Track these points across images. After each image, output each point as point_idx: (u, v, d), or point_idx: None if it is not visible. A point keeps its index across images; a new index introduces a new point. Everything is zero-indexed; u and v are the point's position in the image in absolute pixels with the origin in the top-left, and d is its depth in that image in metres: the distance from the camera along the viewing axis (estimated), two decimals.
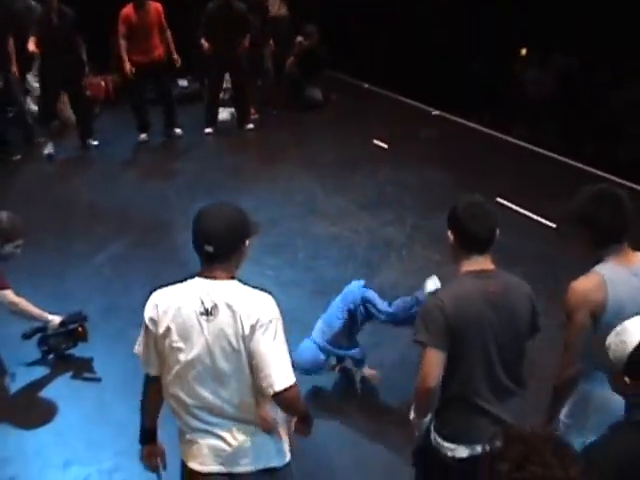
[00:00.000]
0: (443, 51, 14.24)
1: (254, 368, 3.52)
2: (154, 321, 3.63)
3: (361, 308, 6.24)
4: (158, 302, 3.65)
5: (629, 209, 3.91)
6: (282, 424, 3.77)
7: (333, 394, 6.39)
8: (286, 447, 3.80)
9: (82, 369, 6.63)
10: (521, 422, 3.85)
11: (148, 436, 4.02)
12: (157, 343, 3.65)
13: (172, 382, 3.65)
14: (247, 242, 3.70)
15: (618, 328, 3.13)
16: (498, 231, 3.85)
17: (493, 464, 2.14)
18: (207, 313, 3.53)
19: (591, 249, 3.97)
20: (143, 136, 12.25)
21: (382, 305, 6.24)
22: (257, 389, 3.57)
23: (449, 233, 3.90)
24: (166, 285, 7.45)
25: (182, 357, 3.58)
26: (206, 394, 3.59)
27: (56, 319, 6.57)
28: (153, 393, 3.82)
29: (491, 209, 3.90)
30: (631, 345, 2.97)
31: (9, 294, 6.33)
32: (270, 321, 3.51)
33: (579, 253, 4.03)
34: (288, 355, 3.59)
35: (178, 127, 12.48)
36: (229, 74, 12.72)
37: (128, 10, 11.60)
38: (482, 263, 3.82)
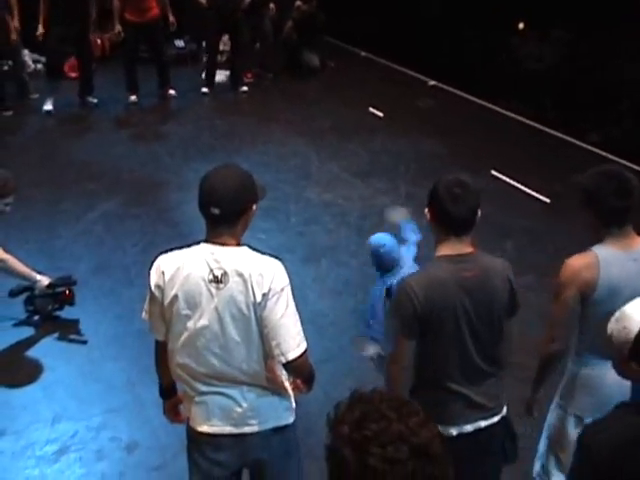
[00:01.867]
0: (442, 22, 14.19)
1: (266, 336, 3.49)
2: (160, 288, 3.54)
3: None
4: (164, 268, 3.54)
5: (635, 193, 3.83)
6: (287, 381, 3.76)
7: None
8: (293, 405, 3.79)
9: (71, 327, 6.57)
10: (498, 401, 3.88)
11: (168, 392, 3.99)
12: (164, 310, 3.58)
13: (180, 350, 3.59)
14: (254, 207, 3.62)
15: (617, 314, 3.09)
16: (480, 212, 3.70)
17: (334, 430, 2.14)
18: (217, 281, 3.45)
19: (596, 228, 3.93)
20: (133, 97, 12.15)
21: None
22: (267, 354, 3.55)
23: (426, 211, 3.74)
24: (158, 244, 7.50)
25: (190, 325, 3.52)
26: (215, 361, 3.55)
27: (44, 280, 6.48)
28: (164, 355, 3.75)
29: (474, 190, 3.69)
30: (633, 331, 2.95)
31: None
32: (282, 289, 3.47)
33: (589, 232, 3.98)
34: (299, 321, 3.56)
35: (172, 88, 12.41)
36: (228, 34, 12.63)
37: None
38: (460, 246, 3.69)
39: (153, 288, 3.57)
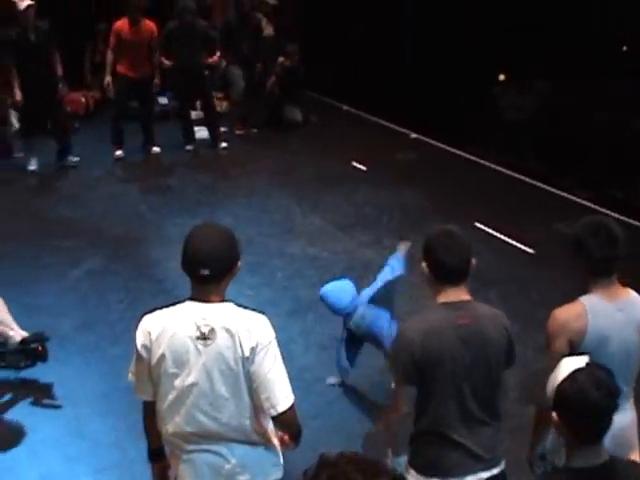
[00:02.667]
0: (422, 74, 14.31)
1: (255, 390, 3.50)
2: (147, 348, 3.54)
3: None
4: (150, 328, 3.54)
5: (621, 243, 3.89)
6: (275, 436, 3.75)
7: None
8: (281, 460, 3.78)
9: (54, 386, 6.50)
10: (494, 452, 3.87)
11: (156, 455, 3.94)
12: (151, 370, 3.57)
13: (168, 409, 3.58)
14: (239, 263, 3.66)
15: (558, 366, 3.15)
16: (474, 260, 3.81)
17: None
18: (204, 337, 3.46)
19: (583, 278, 3.97)
20: (119, 152, 12.18)
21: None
22: (257, 409, 3.55)
23: (422, 263, 3.85)
24: (142, 301, 7.49)
25: (178, 383, 3.52)
26: (204, 419, 3.54)
27: (16, 336, 6.42)
28: (152, 416, 3.73)
29: (465, 239, 3.85)
30: (558, 379, 3.00)
31: None
32: (270, 342, 3.50)
33: (577, 281, 4.02)
34: (286, 374, 3.58)
35: (156, 145, 12.46)
36: (197, 95, 12.81)
37: (122, 24, 11.65)
38: (455, 294, 3.78)
39: (139, 348, 3.57)
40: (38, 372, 6.56)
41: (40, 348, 6.48)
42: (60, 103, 11.74)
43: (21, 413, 6.21)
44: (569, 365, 3.09)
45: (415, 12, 14.88)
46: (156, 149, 12.45)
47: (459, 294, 3.79)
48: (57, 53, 11.37)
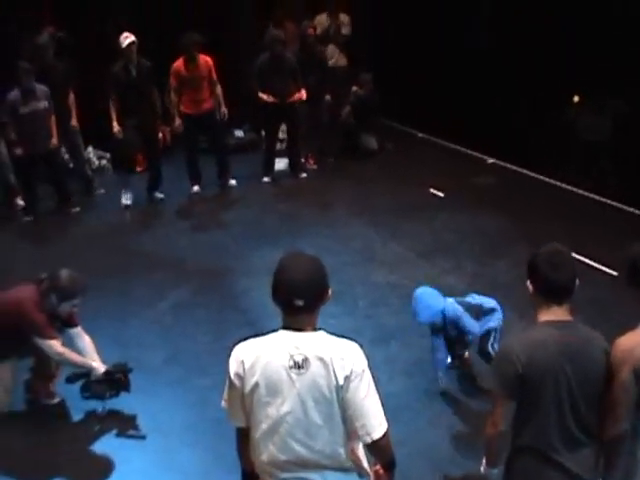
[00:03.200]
0: (496, 99, 14.28)
1: (350, 417, 3.55)
2: (240, 377, 3.60)
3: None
4: (244, 357, 3.60)
5: None
6: (367, 464, 3.78)
7: None
8: None
9: (142, 418, 6.61)
10: (593, 473, 3.85)
11: (251, 478, 3.96)
12: (244, 398, 3.63)
13: (262, 438, 3.63)
14: (330, 291, 3.71)
15: None
16: (578, 280, 3.84)
17: None
18: (297, 367, 3.52)
19: None
20: (196, 188, 12.35)
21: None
22: (351, 436, 3.60)
23: (528, 282, 3.89)
24: (228, 332, 7.59)
25: (273, 412, 3.57)
26: (299, 448, 3.59)
27: (100, 368, 6.57)
28: (245, 441, 3.78)
29: (571, 258, 3.91)
30: None
31: (55, 344, 6.40)
32: (363, 370, 3.54)
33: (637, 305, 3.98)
34: (379, 401, 3.63)
35: (232, 177, 12.60)
36: (285, 124, 12.87)
37: (179, 64, 11.82)
38: (560, 313, 3.81)
39: (232, 377, 3.62)
40: (127, 404, 6.68)
41: (123, 378, 6.63)
42: (156, 136, 11.98)
43: (111, 445, 6.32)
44: None
45: (486, 37, 14.88)
46: (232, 182, 12.58)
47: (563, 313, 3.82)
48: (156, 90, 11.66)
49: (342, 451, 3.63)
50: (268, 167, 12.85)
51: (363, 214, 11.00)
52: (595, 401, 3.80)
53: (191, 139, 12.27)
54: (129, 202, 11.82)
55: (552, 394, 3.71)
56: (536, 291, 3.85)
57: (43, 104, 11.09)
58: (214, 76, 11.99)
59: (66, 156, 12.41)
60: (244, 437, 3.77)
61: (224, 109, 12.17)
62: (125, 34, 11.24)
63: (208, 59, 11.95)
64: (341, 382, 3.49)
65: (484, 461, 4.01)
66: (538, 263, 3.83)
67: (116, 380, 6.62)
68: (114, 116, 11.45)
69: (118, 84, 11.35)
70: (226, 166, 12.58)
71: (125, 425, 6.54)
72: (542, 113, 13.31)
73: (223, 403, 3.77)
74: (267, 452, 3.64)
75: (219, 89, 12.10)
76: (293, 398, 3.54)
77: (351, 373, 3.50)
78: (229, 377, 3.65)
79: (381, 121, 14.16)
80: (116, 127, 11.47)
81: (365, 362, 3.59)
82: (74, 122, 11.86)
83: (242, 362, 3.59)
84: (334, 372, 3.50)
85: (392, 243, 9.92)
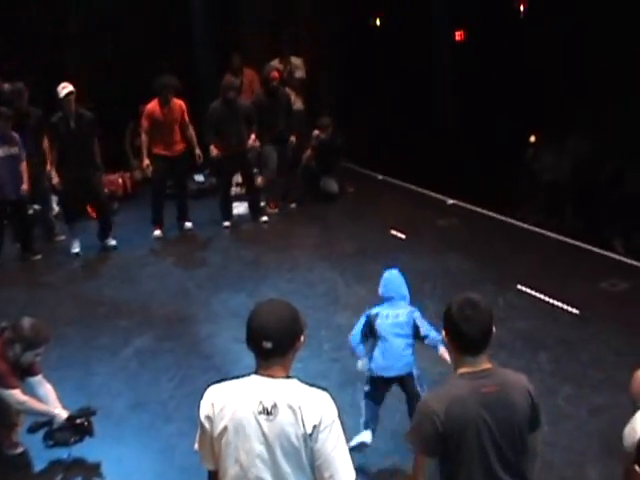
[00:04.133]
0: (455, 142, 14.44)
1: (318, 467, 3.51)
2: (210, 419, 3.60)
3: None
4: (214, 400, 3.61)
5: None
6: None
7: None
8: None
9: (109, 465, 6.54)
10: None
11: None
12: (213, 442, 3.62)
13: None
14: (302, 338, 3.71)
15: (633, 418, 3.11)
16: (494, 329, 3.79)
17: None
18: (266, 413, 3.51)
19: None
20: (158, 232, 12.33)
21: None
22: None
23: (443, 333, 3.86)
24: (193, 378, 7.56)
25: (242, 456, 3.55)
26: None
27: (63, 414, 6.51)
28: None
29: (486, 308, 3.80)
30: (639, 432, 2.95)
31: (17, 393, 6.37)
32: (333, 421, 3.52)
33: None
34: (348, 452, 3.60)
35: (189, 221, 12.61)
36: (240, 170, 12.93)
37: (153, 106, 11.88)
38: (477, 364, 3.76)
39: (203, 419, 3.62)
40: (92, 451, 6.61)
41: (87, 423, 6.56)
42: (98, 186, 11.91)
43: None
44: None
45: (448, 79, 15.09)
46: (188, 224, 12.58)
47: (480, 363, 3.77)
48: (96, 141, 11.57)
49: None
50: (226, 212, 12.84)
51: (326, 258, 11.01)
52: (524, 445, 3.78)
53: (160, 181, 12.31)
54: (77, 250, 11.67)
55: (475, 447, 3.67)
56: (450, 342, 3.83)
57: (15, 150, 11.07)
58: (186, 119, 12.07)
59: (35, 205, 12.33)
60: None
61: (198, 151, 12.24)
62: (63, 84, 11.14)
63: (181, 102, 12.04)
64: (309, 431, 3.47)
65: None
66: (451, 314, 3.76)
67: (79, 425, 6.54)
68: (53, 167, 11.38)
69: (57, 135, 11.27)
70: (186, 209, 12.63)
71: (89, 473, 6.49)
72: (502, 154, 13.48)
73: (196, 445, 3.75)
74: None
75: (192, 131, 12.18)
76: (261, 444, 3.52)
77: (320, 423, 3.48)
78: (200, 419, 3.64)
79: (342, 164, 14.22)
80: (55, 179, 11.38)
81: (335, 412, 3.57)
82: (48, 167, 11.67)
83: (212, 405, 3.60)
84: (303, 421, 3.48)
85: (355, 286, 9.92)
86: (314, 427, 3.48)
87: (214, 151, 12.31)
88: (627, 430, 3.03)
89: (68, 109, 11.19)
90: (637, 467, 2.92)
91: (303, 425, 3.48)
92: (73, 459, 6.57)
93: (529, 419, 3.78)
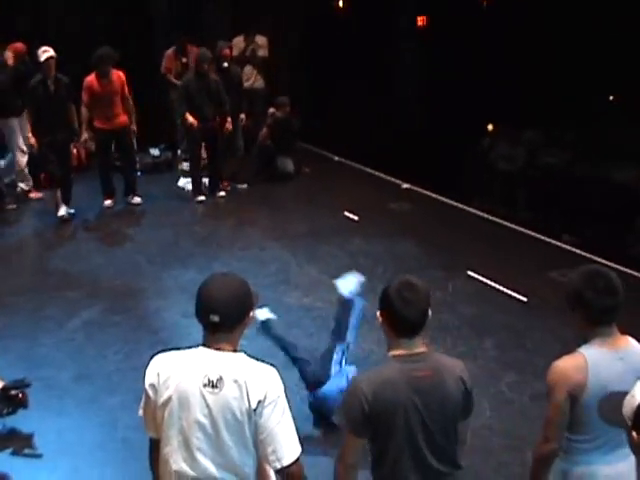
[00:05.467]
0: (413, 126, 14.49)
1: (261, 442, 3.52)
2: (155, 388, 3.59)
3: None
4: (160, 369, 3.60)
5: (620, 291, 3.90)
6: None
7: None
8: None
9: (52, 437, 6.46)
10: None
11: None
12: (156, 410, 3.60)
13: (173, 452, 3.59)
14: (251, 314, 3.69)
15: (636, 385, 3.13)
16: (430, 312, 3.77)
17: None
18: (212, 385, 3.50)
19: (583, 328, 3.97)
20: (108, 202, 12.33)
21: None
22: (261, 461, 3.58)
23: (378, 315, 3.82)
24: (139, 352, 7.53)
25: (184, 427, 3.54)
26: (208, 465, 3.55)
27: None
28: (157, 454, 3.73)
29: (424, 290, 3.77)
30: (638, 399, 2.98)
31: None
32: (278, 396, 3.51)
33: (577, 331, 4.03)
34: (294, 427, 3.60)
35: (138, 195, 12.57)
36: (205, 144, 12.84)
37: (91, 79, 11.75)
38: (412, 347, 3.75)
39: (147, 387, 3.61)
40: (35, 423, 6.51)
41: (21, 395, 6.40)
42: (71, 152, 11.96)
43: (18, 465, 6.16)
44: None
45: (408, 65, 15.11)
46: (137, 199, 12.55)
47: (415, 346, 3.75)
48: (73, 106, 11.58)
49: (252, 473, 3.61)
50: (198, 187, 12.78)
51: (279, 237, 11.01)
52: (453, 430, 3.79)
53: (104, 154, 12.28)
54: (66, 213, 11.66)
55: (403, 430, 3.67)
56: (386, 324, 3.80)
57: None
58: (126, 91, 11.98)
59: None
60: (156, 449, 3.73)
61: (134, 127, 12.19)
62: (44, 48, 11.12)
63: (121, 74, 11.93)
64: (254, 406, 3.47)
65: None
66: (389, 297, 3.73)
67: (13, 397, 6.38)
68: (30, 130, 11.33)
69: (35, 99, 11.21)
70: (133, 182, 12.62)
71: (25, 444, 6.36)
72: (458, 141, 13.55)
73: (140, 411, 3.74)
74: (177, 466, 3.59)
75: (131, 104, 12.13)
76: (204, 416, 3.52)
77: (265, 398, 3.48)
78: (145, 387, 3.63)
79: (298, 144, 14.19)
80: (31, 139, 11.36)
81: (281, 388, 3.56)
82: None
83: (157, 374, 3.58)
84: (247, 395, 3.48)
85: (307, 266, 9.95)
86: (259, 402, 3.48)
87: (190, 119, 12.26)
88: (627, 398, 3.05)
89: (48, 73, 11.18)
90: (634, 433, 2.95)
91: (248, 400, 3.48)
92: (9, 429, 6.45)
93: (461, 405, 3.79)
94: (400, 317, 3.70)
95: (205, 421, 3.52)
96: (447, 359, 3.88)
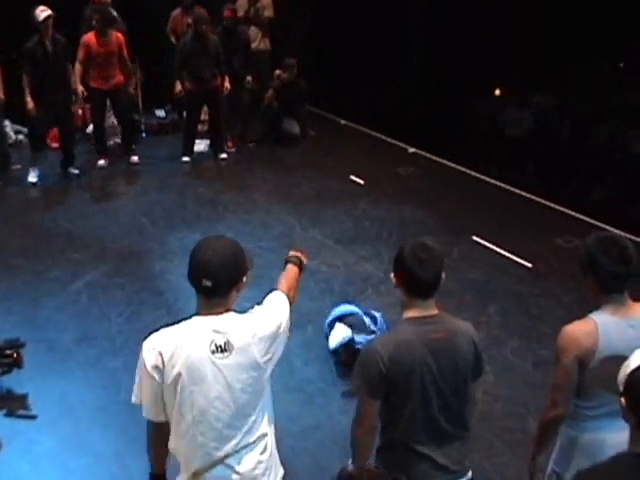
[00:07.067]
0: (420, 89, 14.39)
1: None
2: (159, 369, 3.47)
3: None
4: (161, 348, 3.48)
5: (634, 259, 3.87)
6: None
7: None
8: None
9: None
10: (462, 464, 3.90)
11: None
12: (163, 390, 3.51)
13: (187, 429, 3.54)
14: (245, 278, 3.63)
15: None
16: (444, 275, 3.77)
17: None
18: (221, 350, 3.47)
19: (595, 294, 3.95)
20: (102, 162, 12.30)
21: None
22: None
23: (392, 276, 3.84)
24: (143, 314, 7.52)
25: (200, 400, 3.49)
26: (226, 431, 3.54)
27: None
28: (162, 438, 3.66)
29: (438, 253, 3.80)
30: (631, 366, 2.98)
31: None
32: (278, 326, 3.68)
33: (590, 297, 4.01)
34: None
35: (135, 155, 12.55)
36: (206, 105, 12.78)
37: (89, 37, 11.65)
38: (425, 308, 3.77)
39: (150, 370, 3.48)
40: (37, 385, 6.56)
41: (15, 355, 6.40)
42: (71, 112, 11.88)
43: (20, 425, 6.20)
44: None
45: (415, 28, 14.98)
46: (135, 159, 12.51)
47: (428, 308, 3.78)
48: (71, 66, 11.49)
49: (266, 417, 3.68)
50: (188, 147, 12.76)
51: (284, 200, 10.97)
52: (466, 393, 3.82)
53: (99, 114, 12.25)
54: (35, 179, 11.57)
55: (418, 391, 3.70)
56: (401, 285, 3.81)
57: None
58: (125, 53, 11.89)
59: None
60: (159, 432, 3.66)
61: (131, 88, 12.12)
62: (41, 7, 10.93)
63: (119, 35, 11.84)
64: (265, 357, 3.58)
65: (350, 461, 3.91)
66: (404, 258, 3.76)
67: (8, 357, 6.38)
68: (27, 92, 11.19)
69: (32, 59, 11.08)
70: (130, 142, 12.61)
71: (19, 405, 6.37)
72: (466, 105, 13.45)
73: (134, 399, 3.62)
74: (194, 442, 3.55)
75: (129, 65, 12.07)
76: (220, 383, 3.49)
77: (272, 341, 3.63)
78: (145, 370, 3.50)
79: (305, 107, 14.11)
80: (30, 103, 11.22)
81: (280, 315, 3.76)
82: (1, 95, 11.51)
83: (160, 353, 3.47)
84: (256, 349, 3.53)
85: (311, 229, 9.91)
86: (266, 349, 3.57)
87: (178, 87, 12.24)
88: (623, 366, 3.05)
89: (46, 33, 11.02)
90: (622, 399, 2.95)
91: (257, 352, 3.53)
92: (7, 390, 6.49)
93: (473, 368, 3.82)
94: (415, 278, 3.72)
95: (219, 388, 3.50)
96: (459, 321, 3.90)
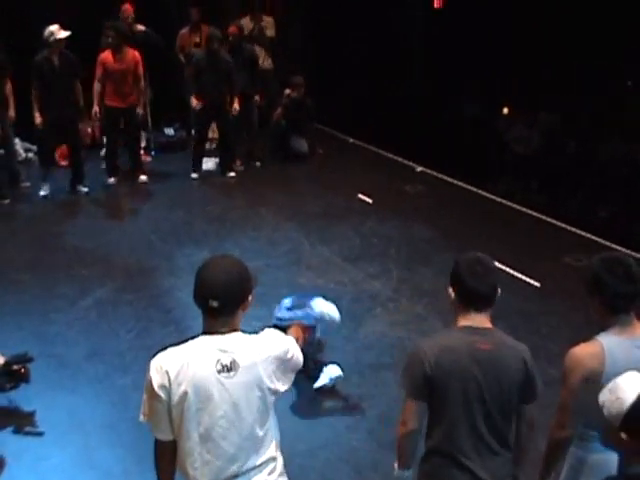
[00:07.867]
0: (428, 108, 14.41)
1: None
2: (165, 388, 3.48)
3: None
4: (167, 367, 3.50)
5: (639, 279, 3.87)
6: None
7: None
8: None
9: (64, 415, 6.48)
10: None
11: None
12: (170, 409, 3.52)
13: (193, 447, 3.55)
14: (251, 297, 3.65)
15: (610, 385, 3.15)
16: (500, 289, 3.82)
17: None
18: (227, 369, 3.48)
19: (602, 315, 3.95)
20: (112, 180, 12.38)
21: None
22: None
23: (449, 289, 3.87)
24: (152, 330, 7.52)
25: (205, 419, 3.51)
26: (233, 450, 3.55)
27: None
28: (170, 456, 3.67)
29: (493, 266, 3.86)
30: (627, 402, 2.98)
31: None
32: (285, 351, 3.67)
33: (595, 319, 4.00)
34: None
35: (144, 174, 12.61)
36: (216, 122, 12.83)
37: (106, 55, 11.75)
38: (478, 320, 3.79)
39: (157, 389, 3.49)
40: (45, 401, 6.55)
41: (23, 370, 6.36)
42: (78, 129, 11.88)
43: (29, 441, 6.19)
44: (630, 383, 3.07)
45: (422, 47, 15.02)
46: (143, 177, 12.56)
47: (482, 321, 3.80)
48: (79, 85, 11.52)
49: (273, 439, 3.68)
50: (196, 165, 12.83)
51: (292, 218, 10.99)
52: (510, 411, 3.80)
53: (112, 131, 12.29)
54: (46, 192, 11.66)
55: (460, 398, 3.71)
56: (456, 298, 3.85)
57: None
58: (140, 71, 11.94)
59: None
60: (166, 450, 3.66)
61: (140, 109, 12.18)
62: (56, 26, 11.02)
63: (136, 53, 11.92)
64: (271, 379, 3.57)
65: (395, 464, 3.98)
66: (460, 270, 3.82)
67: (15, 371, 6.34)
68: (36, 107, 11.26)
69: (40, 73, 11.15)
70: (138, 160, 12.67)
71: (27, 421, 6.35)
72: (473, 124, 13.47)
73: (142, 418, 3.63)
74: (200, 459, 3.56)
75: (142, 85, 12.11)
76: (225, 402, 3.50)
77: (279, 363, 3.61)
78: (152, 389, 3.51)
79: (313, 125, 14.16)
80: (38, 118, 11.29)
81: (285, 343, 3.71)
82: (12, 112, 11.60)
83: (166, 372, 3.49)
84: (262, 370, 3.54)
85: (320, 247, 9.93)
86: (273, 371, 3.57)
87: (194, 102, 12.33)
88: (608, 398, 3.05)
89: (56, 50, 11.11)
90: (623, 434, 2.95)
91: (264, 372, 3.54)
92: (15, 406, 6.45)
93: (521, 386, 3.78)
94: (472, 290, 3.77)
95: (226, 407, 3.51)
96: (512, 339, 3.90)
